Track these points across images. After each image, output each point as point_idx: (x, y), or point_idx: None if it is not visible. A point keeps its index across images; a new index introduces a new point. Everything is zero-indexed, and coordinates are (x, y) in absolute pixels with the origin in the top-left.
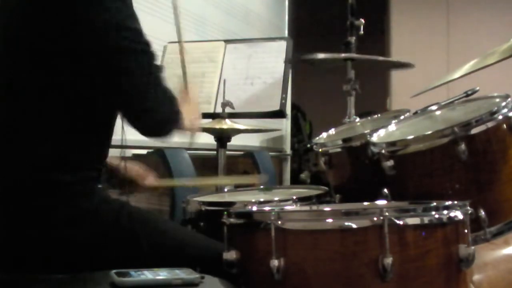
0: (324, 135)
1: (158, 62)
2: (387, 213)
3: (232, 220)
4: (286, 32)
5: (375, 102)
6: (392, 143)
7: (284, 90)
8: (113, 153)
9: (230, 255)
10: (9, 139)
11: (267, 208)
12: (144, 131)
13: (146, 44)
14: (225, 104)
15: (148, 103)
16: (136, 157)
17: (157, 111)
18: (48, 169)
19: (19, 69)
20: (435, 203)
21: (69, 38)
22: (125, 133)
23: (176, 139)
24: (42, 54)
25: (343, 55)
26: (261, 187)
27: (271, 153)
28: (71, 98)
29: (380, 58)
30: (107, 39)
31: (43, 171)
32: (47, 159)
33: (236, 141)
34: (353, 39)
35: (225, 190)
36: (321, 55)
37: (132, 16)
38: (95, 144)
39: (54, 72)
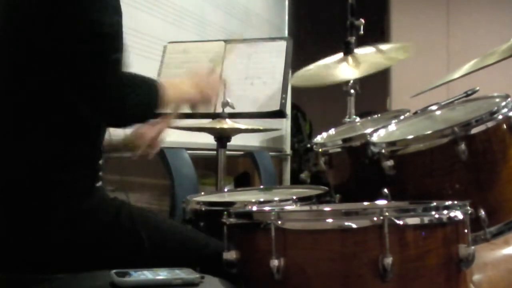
0: (324, 135)
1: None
2: (387, 213)
3: (232, 220)
4: (286, 32)
5: (375, 102)
6: (392, 143)
7: (284, 90)
8: None
9: (230, 255)
10: (5, 140)
11: (267, 208)
12: (114, 124)
13: (109, 36)
14: (225, 104)
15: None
16: None
17: (118, 99)
18: (45, 169)
19: (12, 69)
20: (435, 203)
21: (51, 34)
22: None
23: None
24: (33, 54)
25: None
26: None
27: (271, 153)
28: (62, 97)
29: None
30: (81, 36)
31: (41, 171)
32: (45, 159)
33: (236, 141)
34: (353, 39)
35: (225, 190)
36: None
37: (101, 7)
38: (92, 143)
39: (45, 71)
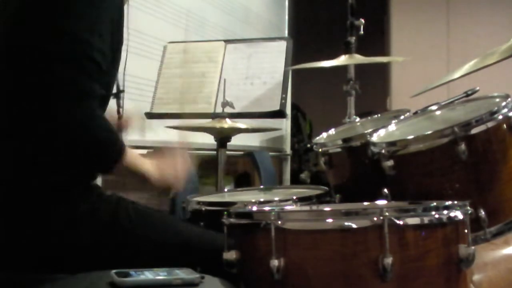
0: (324, 135)
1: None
2: (387, 213)
3: (232, 220)
4: (286, 32)
5: (375, 102)
6: (392, 143)
7: (284, 90)
8: None
9: (230, 255)
10: (2, 141)
11: (267, 208)
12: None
13: (93, 63)
14: (225, 104)
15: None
16: None
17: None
18: (43, 170)
19: (7, 70)
20: (435, 203)
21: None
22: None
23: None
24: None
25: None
26: (261, 187)
27: (271, 153)
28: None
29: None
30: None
31: (37, 173)
32: (40, 162)
33: (236, 141)
34: (353, 39)
35: (225, 190)
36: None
37: (91, 28)
38: None
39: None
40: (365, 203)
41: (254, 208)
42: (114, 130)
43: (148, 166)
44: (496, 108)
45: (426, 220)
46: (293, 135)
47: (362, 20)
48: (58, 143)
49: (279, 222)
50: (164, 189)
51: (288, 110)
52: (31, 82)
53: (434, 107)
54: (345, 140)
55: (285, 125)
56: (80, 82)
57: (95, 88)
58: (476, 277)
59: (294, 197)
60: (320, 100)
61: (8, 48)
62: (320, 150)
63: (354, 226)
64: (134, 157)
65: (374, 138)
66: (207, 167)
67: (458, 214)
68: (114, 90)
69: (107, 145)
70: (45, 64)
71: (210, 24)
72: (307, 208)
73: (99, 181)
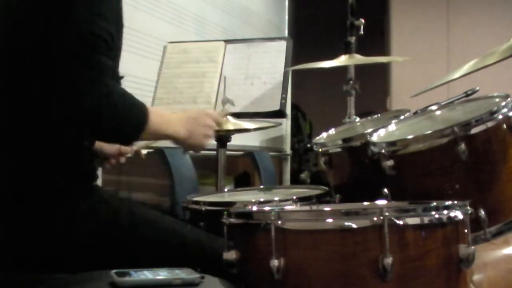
0: (324, 135)
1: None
2: (387, 213)
3: (232, 220)
4: (286, 32)
5: (375, 102)
6: (392, 143)
7: (284, 90)
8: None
9: (230, 255)
10: (2, 142)
11: (267, 208)
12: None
13: (104, 42)
14: (225, 101)
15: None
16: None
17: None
18: (42, 171)
19: (7, 71)
20: (435, 203)
21: (42, 41)
22: None
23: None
24: (30, 57)
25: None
26: (261, 187)
27: (271, 153)
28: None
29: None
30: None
31: (38, 173)
32: (41, 162)
33: (236, 141)
34: (353, 39)
35: (225, 190)
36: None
37: (100, 12)
38: (87, 144)
39: (39, 73)
40: (365, 203)
41: (254, 208)
42: (136, 99)
43: (175, 126)
44: (496, 108)
45: (426, 220)
46: (293, 135)
47: (362, 20)
48: (85, 117)
49: (279, 222)
50: (191, 147)
51: (288, 110)
52: (43, 72)
53: (434, 107)
54: (345, 140)
55: (285, 125)
56: (96, 59)
57: (109, 63)
58: (476, 277)
59: (294, 197)
60: (320, 100)
61: (17, 36)
62: (320, 150)
63: (354, 226)
64: (160, 119)
65: (374, 138)
66: (207, 167)
67: (458, 214)
68: None
69: (133, 111)
70: (57, 50)
71: (210, 24)
72: (307, 208)
73: (99, 181)
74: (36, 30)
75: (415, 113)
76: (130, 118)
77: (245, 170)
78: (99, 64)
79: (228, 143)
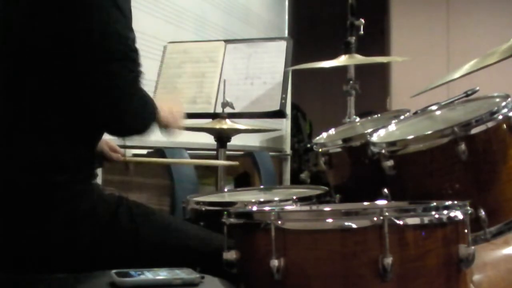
0: (324, 135)
1: (140, 68)
2: (387, 213)
3: (232, 220)
4: (286, 32)
5: (375, 102)
6: (392, 143)
7: (284, 90)
8: None
9: (230, 255)
10: (3, 141)
11: (267, 208)
12: (119, 133)
13: (135, 52)
14: (225, 104)
15: (127, 107)
16: (136, 156)
17: (135, 115)
18: (43, 170)
19: (12, 70)
20: (435, 203)
21: (64, 42)
22: None
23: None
24: (36, 56)
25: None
26: (261, 187)
27: (271, 153)
28: (63, 99)
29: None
30: (102, 46)
31: (38, 172)
32: (42, 160)
33: (236, 141)
34: (353, 39)
35: (225, 190)
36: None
37: (127, 24)
38: (89, 144)
39: (47, 74)
40: (365, 203)
41: (254, 208)
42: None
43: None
44: (496, 108)
45: (426, 220)
46: (293, 135)
47: (362, 20)
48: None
49: (279, 222)
50: (165, 125)
51: (288, 110)
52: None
53: (434, 107)
54: (345, 140)
55: (285, 125)
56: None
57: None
58: (476, 277)
59: (294, 197)
60: (320, 100)
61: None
62: (320, 150)
63: (354, 226)
64: (161, 105)
65: (374, 138)
66: (207, 167)
67: (458, 214)
68: None
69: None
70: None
71: (210, 24)
72: (307, 208)
73: (99, 181)
74: (53, 27)
75: (415, 113)
76: (149, 112)
77: (245, 170)
78: (137, 75)
79: (228, 143)
